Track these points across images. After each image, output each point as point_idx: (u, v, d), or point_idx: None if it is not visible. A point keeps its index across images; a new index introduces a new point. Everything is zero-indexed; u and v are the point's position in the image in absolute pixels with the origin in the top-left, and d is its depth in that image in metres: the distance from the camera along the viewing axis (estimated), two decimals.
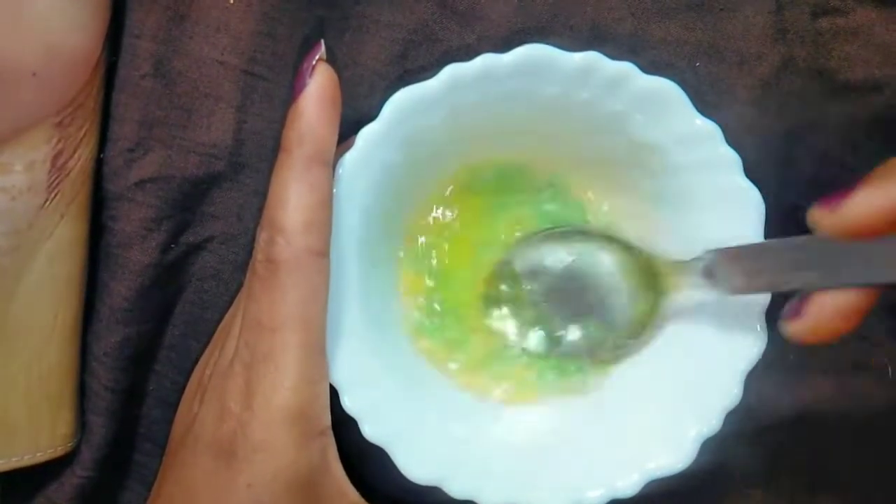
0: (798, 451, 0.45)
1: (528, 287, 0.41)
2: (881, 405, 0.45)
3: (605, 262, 0.40)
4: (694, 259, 0.37)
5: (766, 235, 0.38)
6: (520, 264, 0.41)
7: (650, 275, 0.39)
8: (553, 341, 0.42)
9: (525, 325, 0.42)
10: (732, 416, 0.38)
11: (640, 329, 0.40)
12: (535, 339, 0.42)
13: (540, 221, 0.42)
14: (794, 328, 0.34)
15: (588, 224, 0.42)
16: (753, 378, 0.38)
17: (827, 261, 0.33)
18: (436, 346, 0.42)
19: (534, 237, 0.42)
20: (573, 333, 0.41)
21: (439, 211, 0.41)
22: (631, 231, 0.41)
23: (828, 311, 0.33)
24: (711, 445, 0.38)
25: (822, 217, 0.31)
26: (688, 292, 0.38)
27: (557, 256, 0.41)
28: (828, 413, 0.45)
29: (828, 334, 0.34)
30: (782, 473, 0.45)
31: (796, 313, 0.34)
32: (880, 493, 0.46)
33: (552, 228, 0.42)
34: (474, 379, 0.42)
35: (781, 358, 0.43)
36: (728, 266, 0.36)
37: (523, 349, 0.42)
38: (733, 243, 0.37)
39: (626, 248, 0.40)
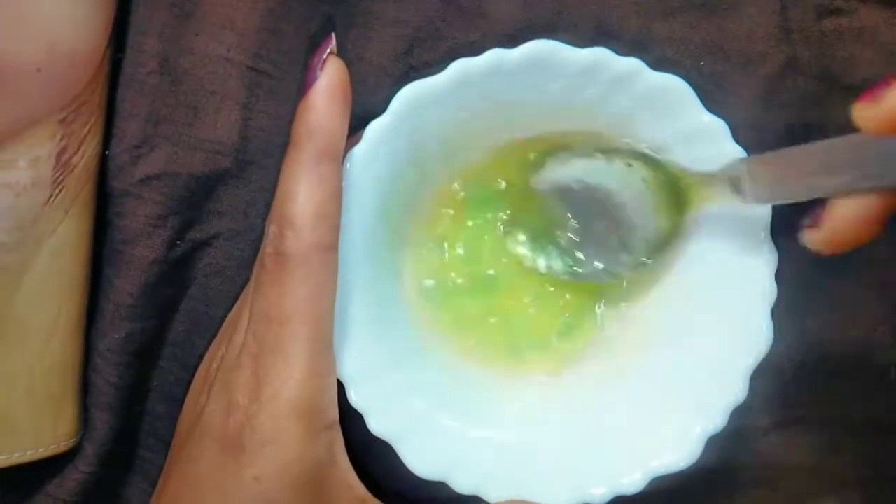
0: (798, 450, 0.45)
1: (548, 206, 0.41)
2: (881, 405, 0.45)
3: (626, 176, 0.39)
4: (720, 169, 0.37)
5: (769, 235, 0.38)
6: (538, 183, 0.41)
7: (673, 189, 0.38)
8: (573, 263, 0.41)
9: (544, 246, 0.42)
10: (734, 415, 0.38)
11: (662, 246, 0.40)
12: (554, 260, 0.42)
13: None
14: (812, 237, 0.34)
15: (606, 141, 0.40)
16: (755, 376, 0.38)
17: (854, 164, 0.32)
18: (444, 340, 0.42)
19: (551, 156, 0.41)
20: (593, 253, 0.41)
21: (446, 204, 0.42)
22: None
23: (847, 217, 0.32)
24: (714, 444, 0.38)
25: (862, 111, 0.31)
26: (714, 204, 0.37)
27: (575, 173, 0.40)
28: (828, 413, 0.45)
29: (846, 243, 0.33)
30: (783, 473, 0.45)
31: (814, 222, 0.33)
32: (881, 493, 0.46)
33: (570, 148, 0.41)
34: (484, 361, 0.42)
35: (783, 357, 0.43)
36: (755, 174, 0.35)
37: (544, 271, 0.42)
38: (737, 238, 0.37)
39: (648, 161, 0.39)
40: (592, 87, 0.37)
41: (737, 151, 0.37)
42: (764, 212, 0.37)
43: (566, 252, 0.42)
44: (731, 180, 0.36)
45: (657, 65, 0.37)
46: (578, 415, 0.41)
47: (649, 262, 0.40)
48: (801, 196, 0.34)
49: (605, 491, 0.38)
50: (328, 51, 0.34)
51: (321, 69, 0.34)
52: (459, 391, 0.41)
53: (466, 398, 0.41)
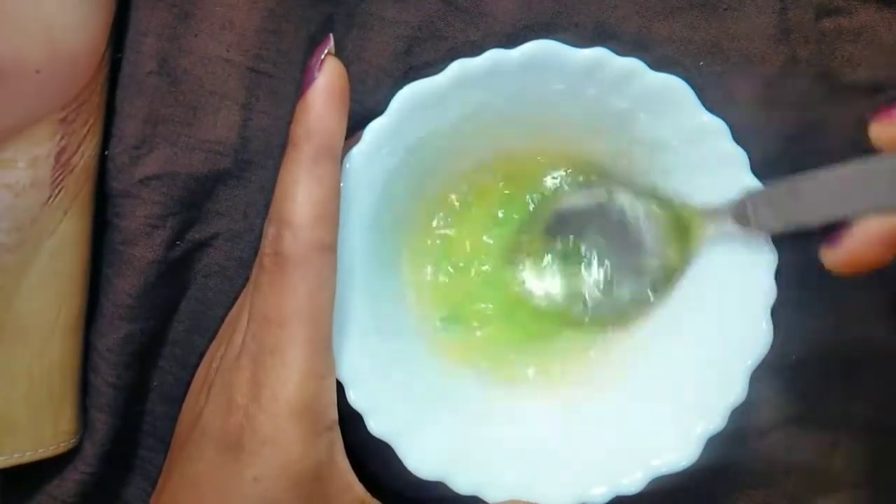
0: (798, 450, 0.45)
1: (551, 241, 0.41)
2: (881, 405, 0.45)
3: (630, 211, 0.40)
4: (724, 202, 0.37)
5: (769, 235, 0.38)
6: (542, 218, 0.41)
7: (678, 224, 0.39)
8: (575, 297, 0.41)
9: (548, 281, 0.42)
10: (734, 415, 0.38)
11: (666, 281, 0.40)
12: (557, 294, 0.42)
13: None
14: (831, 257, 0.33)
15: (610, 176, 0.41)
16: (755, 376, 0.38)
17: (867, 187, 0.32)
18: (443, 340, 0.42)
19: (555, 193, 0.41)
20: (596, 288, 0.41)
21: (447, 204, 0.42)
22: None
23: (868, 238, 0.32)
24: (713, 444, 0.38)
25: (881, 129, 0.31)
26: (719, 238, 0.38)
27: (580, 207, 0.41)
28: (828, 412, 0.45)
29: (866, 263, 0.33)
30: (782, 473, 0.45)
31: (833, 241, 0.33)
32: (880, 493, 0.46)
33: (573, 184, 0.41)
34: (484, 360, 0.42)
35: (783, 357, 0.43)
36: (762, 204, 0.35)
37: (547, 306, 0.42)
38: (736, 238, 0.37)
39: (652, 196, 0.39)
40: (592, 87, 0.37)
41: (736, 151, 0.37)
42: None
43: (567, 284, 0.42)
44: (736, 212, 0.36)
45: (657, 65, 0.37)
46: (578, 415, 0.41)
47: (653, 298, 0.40)
48: (812, 224, 0.34)
49: (606, 491, 0.38)
50: (326, 51, 0.34)
51: (319, 69, 0.34)
52: (459, 391, 0.41)
53: (466, 398, 0.41)
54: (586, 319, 0.41)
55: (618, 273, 0.41)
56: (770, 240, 0.38)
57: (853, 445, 0.45)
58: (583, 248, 0.41)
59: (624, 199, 0.40)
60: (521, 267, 0.42)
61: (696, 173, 0.38)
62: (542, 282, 0.42)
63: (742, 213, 0.36)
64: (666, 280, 0.40)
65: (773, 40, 0.41)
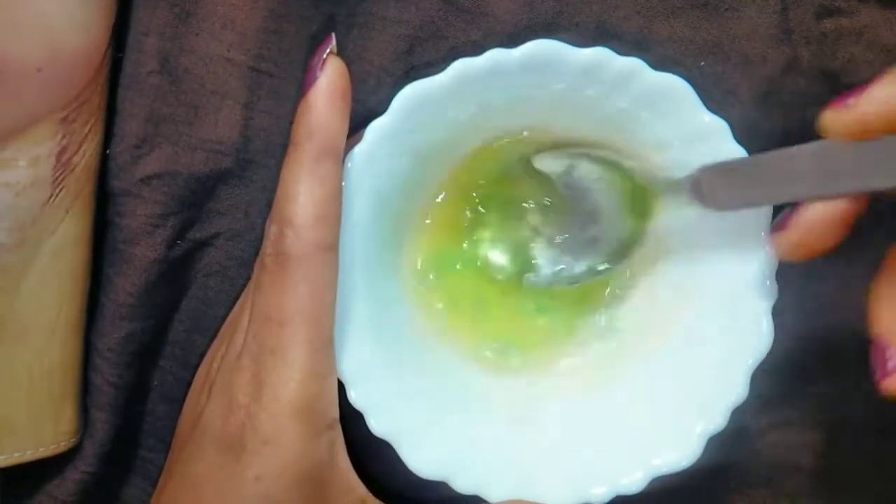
0: (798, 450, 0.45)
1: (521, 202, 0.42)
2: (881, 405, 0.45)
3: (591, 180, 0.40)
4: (681, 177, 0.37)
5: (769, 235, 0.38)
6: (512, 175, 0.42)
7: (637, 195, 0.39)
8: (534, 267, 0.42)
9: (510, 249, 0.42)
10: (734, 415, 0.38)
11: (622, 253, 0.40)
12: (516, 266, 0.42)
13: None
14: (779, 241, 0.35)
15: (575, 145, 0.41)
16: (755, 376, 0.38)
17: (816, 171, 0.33)
18: (444, 339, 0.42)
19: (528, 156, 0.41)
20: (553, 259, 0.42)
21: (447, 204, 0.42)
22: None
23: (814, 221, 0.33)
24: (713, 444, 0.38)
25: (833, 116, 0.31)
26: (675, 211, 0.38)
27: (548, 170, 0.41)
28: (827, 413, 0.45)
29: (813, 248, 0.34)
30: (782, 473, 0.46)
31: (782, 226, 0.34)
32: (880, 493, 0.46)
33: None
34: (485, 361, 0.42)
35: (784, 356, 0.43)
36: (716, 181, 0.36)
37: (501, 277, 0.42)
38: (737, 238, 0.37)
39: (613, 166, 0.40)
40: (593, 87, 0.37)
41: (737, 151, 0.37)
42: (764, 212, 0.37)
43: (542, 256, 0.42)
44: (692, 187, 0.36)
45: (658, 64, 0.37)
46: (579, 414, 0.41)
47: (606, 267, 0.41)
48: (762, 202, 0.36)
49: (606, 490, 0.38)
50: (328, 50, 0.34)
51: (321, 69, 0.34)
52: (460, 391, 0.41)
53: (466, 398, 0.41)
54: (542, 287, 0.42)
55: (574, 243, 0.41)
56: (770, 239, 0.38)
57: (853, 445, 0.45)
58: (542, 216, 0.42)
59: (585, 168, 0.40)
60: (497, 245, 0.42)
61: None
62: (505, 254, 0.42)
63: (697, 188, 0.36)
64: (622, 251, 0.40)
65: (775, 41, 0.41)
